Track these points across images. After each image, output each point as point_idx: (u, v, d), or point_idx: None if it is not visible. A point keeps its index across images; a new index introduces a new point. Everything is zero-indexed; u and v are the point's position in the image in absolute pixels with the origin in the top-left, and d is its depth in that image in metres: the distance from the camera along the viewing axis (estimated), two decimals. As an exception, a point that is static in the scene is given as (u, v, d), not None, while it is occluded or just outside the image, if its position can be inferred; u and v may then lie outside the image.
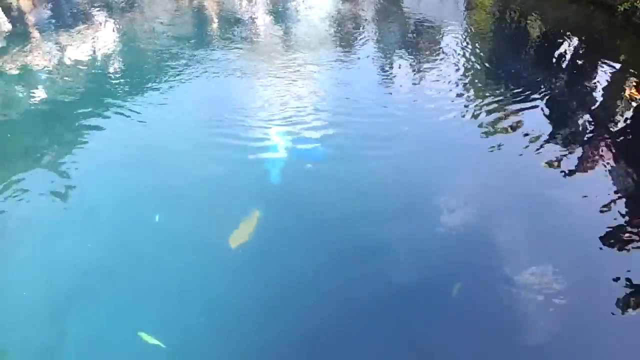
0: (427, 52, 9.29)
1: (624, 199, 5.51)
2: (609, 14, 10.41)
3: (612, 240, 4.97)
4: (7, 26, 10.03)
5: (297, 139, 6.51)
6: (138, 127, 6.90)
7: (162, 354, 3.99)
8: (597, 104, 7.58)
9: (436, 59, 9.01)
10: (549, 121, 7.01)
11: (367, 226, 5.16)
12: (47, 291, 4.50)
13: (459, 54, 9.14)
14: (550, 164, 6.14)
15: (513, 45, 9.98)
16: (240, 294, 4.47)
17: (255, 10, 11.38)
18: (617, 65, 8.71)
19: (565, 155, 6.27)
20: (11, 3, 10.68)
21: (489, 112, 7.17)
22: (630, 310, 4.31)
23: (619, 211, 5.32)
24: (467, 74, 8.36)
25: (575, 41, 9.75)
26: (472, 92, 7.84)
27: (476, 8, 11.91)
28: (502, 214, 5.41)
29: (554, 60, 9.06)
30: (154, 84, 8.02)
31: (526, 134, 6.65)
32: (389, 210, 5.40)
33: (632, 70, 8.59)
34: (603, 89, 7.93)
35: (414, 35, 10.19)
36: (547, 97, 7.56)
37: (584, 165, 6.12)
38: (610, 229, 5.10)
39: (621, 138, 6.79)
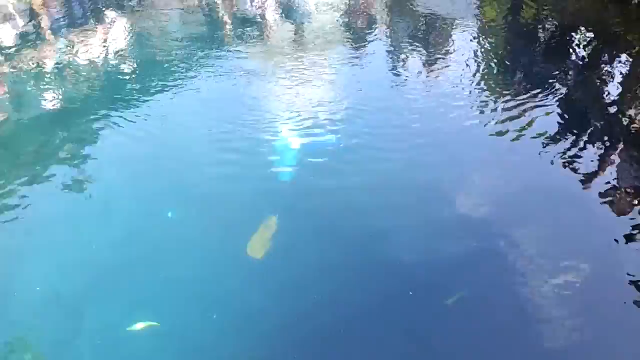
0: (439, 47, 9.24)
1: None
2: (623, 6, 10.27)
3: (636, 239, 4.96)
4: (20, 25, 10.11)
5: (310, 136, 6.55)
6: (151, 124, 6.99)
7: (174, 348, 4.08)
8: (613, 98, 7.52)
9: (448, 54, 8.96)
10: (564, 117, 6.97)
11: (380, 222, 5.26)
12: (60, 286, 4.63)
13: (471, 49, 9.07)
14: (568, 161, 6.12)
15: (526, 39, 9.88)
16: (256, 295, 4.55)
17: (265, 8, 11.38)
18: (631, 59, 8.59)
19: (582, 152, 6.25)
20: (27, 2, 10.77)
21: (504, 109, 7.14)
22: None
23: None
24: (479, 69, 8.30)
25: (589, 34, 9.63)
26: (485, 87, 7.80)
27: (488, 1, 11.78)
28: (522, 212, 5.44)
29: (568, 53, 8.96)
30: (167, 82, 8.04)
31: (541, 130, 6.62)
32: (403, 213, 5.44)
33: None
34: (619, 83, 7.84)
35: (425, 30, 10.12)
36: (562, 92, 7.50)
37: (602, 161, 6.09)
38: (634, 228, 5.07)
39: None
